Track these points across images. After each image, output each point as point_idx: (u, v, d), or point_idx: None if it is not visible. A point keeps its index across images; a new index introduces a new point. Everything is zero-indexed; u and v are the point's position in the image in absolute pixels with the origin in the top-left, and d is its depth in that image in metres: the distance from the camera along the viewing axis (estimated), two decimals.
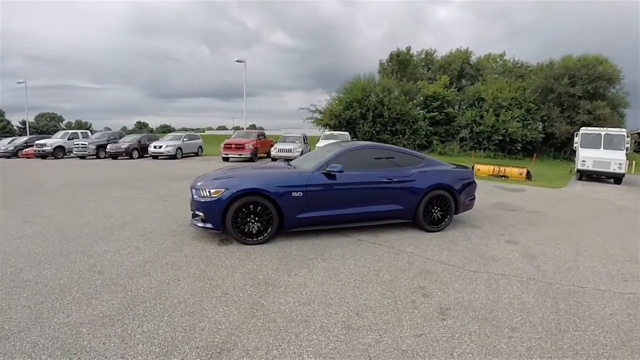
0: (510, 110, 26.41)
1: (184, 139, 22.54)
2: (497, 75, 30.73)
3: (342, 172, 5.34)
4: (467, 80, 33.50)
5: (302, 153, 18.65)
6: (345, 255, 4.73)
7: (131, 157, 21.54)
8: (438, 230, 5.89)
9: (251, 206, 5.04)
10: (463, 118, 28.28)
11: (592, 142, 13.77)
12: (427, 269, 4.31)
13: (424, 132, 28.43)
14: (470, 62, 33.40)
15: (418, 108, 29.30)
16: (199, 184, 5.38)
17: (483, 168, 14.38)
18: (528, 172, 13.37)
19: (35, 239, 5.37)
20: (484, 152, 26.69)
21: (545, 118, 27.40)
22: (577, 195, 10.57)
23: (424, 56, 34.73)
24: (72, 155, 23.08)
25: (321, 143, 19.34)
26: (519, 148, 26.41)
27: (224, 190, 4.99)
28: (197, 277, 3.99)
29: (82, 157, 22.36)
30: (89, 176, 13.08)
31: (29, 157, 23.65)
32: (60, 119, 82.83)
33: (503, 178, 13.30)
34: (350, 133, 28.52)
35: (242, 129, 28.87)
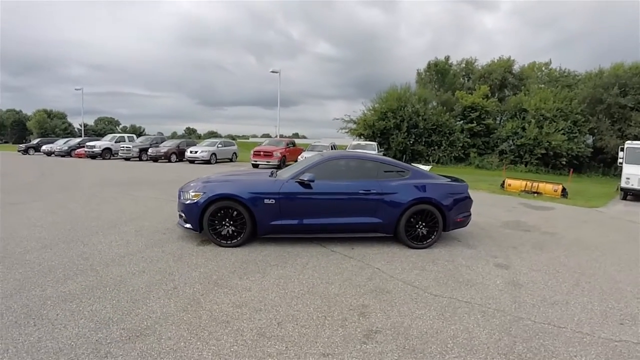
0: (554, 122, 24.03)
1: (219, 145, 23.32)
2: (542, 85, 28.13)
3: (312, 181, 5.13)
4: (509, 90, 31.14)
5: None
6: (307, 264, 4.51)
7: (170, 161, 22.62)
8: (422, 248, 5.30)
9: (227, 210, 5.06)
10: (503, 130, 26.31)
11: (639, 158, 12.01)
12: (384, 288, 3.88)
13: (461, 144, 26.84)
14: (513, 71, 31.09)
15: (457, 119, 27.87)
16: (184, 187, 5.52)
17: (514, 183, 13.08)
18: (564, 189, 11.88)
19: (50, 227, 5.97)
20: (526, 166, 24.48)
21: (595, 131, 24.59)
22: (612, 217, 9.09)
23: (464, 65, 32.91)
24: (118, 156, 24.51)
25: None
26: (564, 163, 23.79)
27: (201, 194, 5.15)
28: (160, 271, 4.18)
29: (127, 159, 23.72)
30: (123, 176, 13.98)
31: (81, 157, 25.31)
32: (117, 123, 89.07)
33: (535, 195, 11.98)
34: (384, 144, 27.88)
35: (275, 136, 29.28)
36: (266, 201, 5.06)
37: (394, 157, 26.07)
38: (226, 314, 3.22)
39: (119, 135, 27.28)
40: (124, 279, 3.94)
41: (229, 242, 5.11)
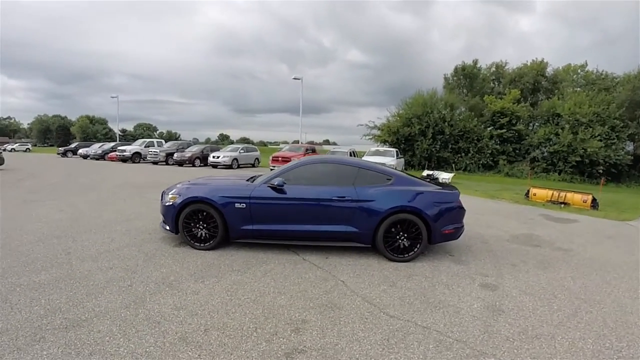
0: (590, 127, 21.80)
1: (241, 151, 23.51)
2: (578, 89, 25.64)
3: (281, 185, 4.83)
4: (542, 94, 28.75)
5: None
6: (269, 272, 4.22)
7: (193, 165, 22.79)
8: (403, 261, 4.71)
9: (201, 214, 4.95)
10: (535, 136, 24.28)
11: None
12: (337, 303, 3.44)
13: (489, 151, 25.11)
14: (546, 74, 28.66)
15: (486, 124, 26.25)
16: (167, 189, 5.45)
17: (540, 193, 11.87)
18: (594, 200, 10.52)
19: (52, 223, 6.26)
20: (559, 174, 22.35)
21: (635, 137, 21.99)
22: None
23: (494, 69, 30.88)
24: (146, 160, 25.04)
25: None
26: (601, 171, 21.38)
27: (177, 196, 5.08)
28: (126, 269, 4.21)
29: (155, 163, 24.22)
30: (144, 179, 14.34)
31: (113, 160, 26.25)
32: (155, 129, 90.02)
33: (562, 206, 10.78)
34: (408, 150, 26.90)
35: (297, 142, 29.15)
36: (237, 205, 4.85)
37: (419, 164, 25.05)
38: (162, 315, 3.14)
39: (148, 140, 28.38)
40: (91, 273, 4.05)
41: (202, 245, 4.98)
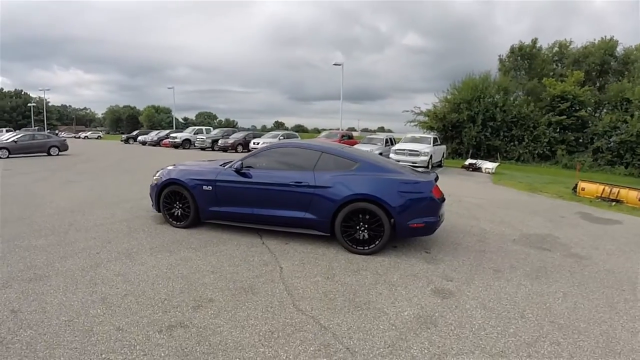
0: None
1: (280, 137, 23.62)
2: None
3: (240, 169, 4.71)
4: (611, 76, 23.72)
5: (381, 155, 17.26)
6: (219, 252, 4.23)
7: (236, 151, 22.66)
8: (363, 254, 4.20)
9: (177, 194, 5.13)
10: (600, 124, 20.22)
11: None
12: (256, 289, 3.29)
13: (546, 140, 21.65)
14: (616, 54, 23.45)
15: (544, 110, 23.08)
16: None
17: (589, 187, 10.08)
18: None
19: (76, 200, 7.05)
20: (626, 168, 18.35)
21: None
22: None
23: (557, 49, 25.99)
24: (195, 147, 25.43)
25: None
26: None
27: (159, 178, 5.30)
28: (105, 240, 4.59)
29: (202, 149, 24.31)
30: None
31: (166, 147, 26.92)
32: (215, 117, 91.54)
33: (613, 204, 9.06)
34: (456, 138, 24.89)
35: (338, 129, 28.60)
36: (204, 187, 4.87)
37: (467, 152, 23.10)
38: (102, 278, 3.41)
39: (197, 127, 29.85)
40: (77, 241, 4.46)
41: (178, 223, 5.14)
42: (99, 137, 50.69)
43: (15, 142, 17.64)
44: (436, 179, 4.56)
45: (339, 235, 4.27)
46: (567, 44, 26.21)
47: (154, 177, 5.45)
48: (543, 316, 2.97)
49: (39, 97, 60.26)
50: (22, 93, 74.55)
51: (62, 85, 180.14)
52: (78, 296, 3.04)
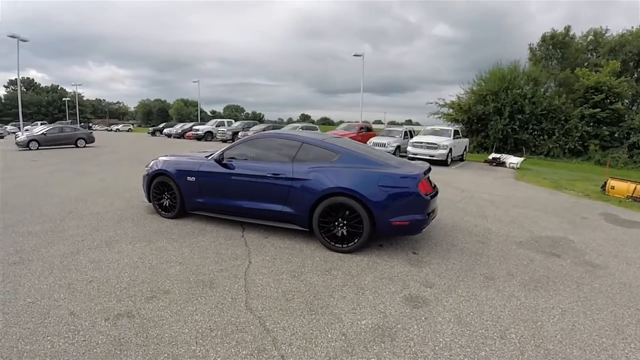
0: None
1: (299, 129, 23.44)
2: None
3: (220, 160, 4.55)
4: None
5: (398, 148, 16.67)
6: (196, 244, 4.16)
7: None
8: (341, 251, 3.89)
9: (166, 185, 5.10)
10: (637, 117, 18.21)
11: None
12: (215, 283, 3.17)
13: (578, 134, 19.86)
14: None
15: (576, 102, 21.15)
16: None
17: (620, 186, 9.07)
18: None
19: (84, 189, 7.28)
20: None
21: None
22: None
23: (591, 37, 23.60)
24: (217, 139, 25.36)
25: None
26: None
27: (149, 169, 5.30)
28: (92, 228, 4.68)
29: (224, 141, 23.90)
30: None
31: (190, 139, 27.01)
32: (242, 110, 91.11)
33: None
34: (481, 131, 23.61)
35: (355, 122, 27.96)
36: (189, 179, 4.76)
37: (493, 146, 21.89)
38: (76, 265, 3.48)
39: (219, 120, 30.17)
40: (69, 228, 4.59)
41: (166, 213, 5.12)
42: (129, 130, 52.56)
43: (45, 134, 18.49)
44: (427, 171, 4.12)
45: (317, 231, 3.98)
46: (603, 32, 23.82)
47: (146, 167, 5.43)
48: (529, 338, 2.50)
49: (74, 92, 63.16)
50: (58, 88, 78.33)
51: (97, 81, 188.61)
52: (49, 280, 3.11)
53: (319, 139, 4.44)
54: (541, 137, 21.48)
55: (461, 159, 16.79)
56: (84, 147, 19.34)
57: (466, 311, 2.80)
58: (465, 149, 17.50)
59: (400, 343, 2.34)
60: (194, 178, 4.71)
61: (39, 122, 39.53)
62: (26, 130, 25.15)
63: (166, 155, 5.55)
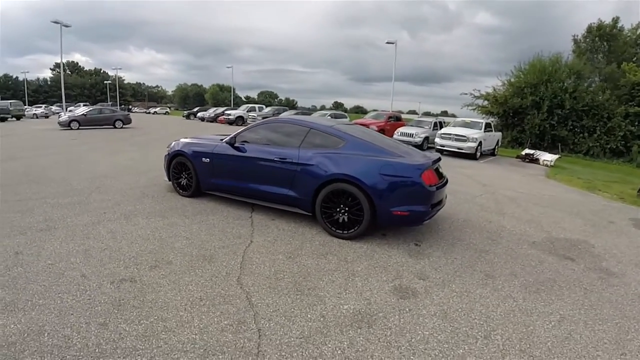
0: None
1: (328, 117, 23.38)
2: None
3: (232, 143, 4.68)
4: None
5: (427, 139, 16.24)
6: (205, 221, 4.35)
7: None
8: (342, 237, 3.91)
9: (183, 165, 5.31)
10: None
11: None
12: (213, 258, 3.35)
13: (621, 133, 18.19)
14: None
15: (622, 99, 18.87)
16: None
17: None
18: None
19: (113, 167, 7.72)
20: None
21: None
22: None
23: None
24: (247, 123, 24.21)
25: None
26: None
27: (170, 149, 5.53)
28: (115, 202, 5.00)
29: None
30: None
31: (222, 123, 27.64)
32: (276, 96, 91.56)
33: None
34: (517, 126, 22.36)
35: (382, 111, 27.39)
36: (204, 159, 4.95)
37: (529, 141, 20.72)
38: (96, 234, 3.76)
39: (250, 105, 30.67)
40: (94, 202, 4.95)
41: (184, 192, 5.35)
42: (166, 113, 54.58)
43: (85, 115, 19.73)
44: (436, 161, 4.01)
45: (319, 216, 4.03)
46: None
47: (167, 148, 5.65)
48: (515, 341, 2.39)
49: (115, 75, 66.25)
50: (101, 71, 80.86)
51: (138, 65, 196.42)
52: (69, 246, 3.39)
53: (327, 125, 4.43)
54: (581, 135, 20.00)
55: (492, 153, 16.04)
56: (121, 128, 20.38)
57: (455, 307, 2.73)
58: (497, 143, 16.68)
59: (376, 331, 2.34)
60: (208, 159, 4.88)
61: (82, 104, 41.86)
62: (70, 111, 26.76)
63: (187, 137, 5.74)
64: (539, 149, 16.55)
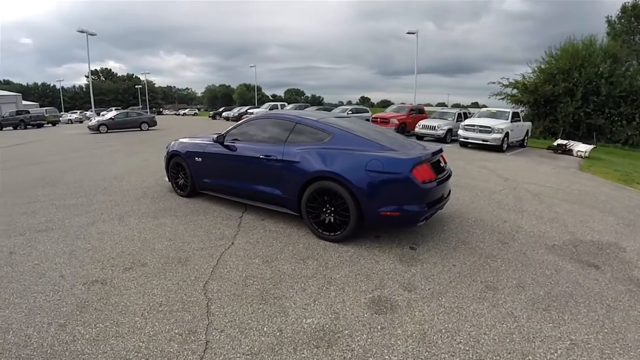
0: None
1: (349, 112, 22.83)
2: None
3: (220, 141, 4.49)
4: None
5: (450, 131, 15.41)
6: (193, 222, 4.27)
7: None
8: (330, 240, 3.61)
9: (180, 165, 5.26)
10: None
11: None
12: (189, 259, 3.23)
13: None
14: None
15: None
16: None
17: None
18: None
19: (125, 168, 7.84)
20: None
21: None
22: None
23: None
24: None
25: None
26: None
27: (168, 149, 5.50)
28: (114, 203, 5.04)
29: None
30: None
31: None
32: (302, 94, 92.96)
33: None
34: (549, 115, 20.76)
35: (403, 104, 26.40)
36: (196, 159, 4.84)
37: (562, 131, 19.18)
38: (87, 235, 3.78)
39: (272, 103, 30.72)
40: (96, 202, 5.03)
41: (181, 192, 5.30)
42: (195, 114, 56.09)
43: (113, 119, 20.63)
44: (435, 153, 3.56)
45: (305, 217, 3.76)
46: None
47: (166, 148, 5.60)
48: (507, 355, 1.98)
49: (146, 80, 68.93)
50: (133, 77, 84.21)
51: (168, 69, 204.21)
52: (59, 246, 3.41)
53: (313, 119, 4.10)
54: (619, 123, 18.10)
55: (521, 144, 14.79)
56: (147, 130, 20.99)
57: (438, 327, 2.31)
58: (527, 134, 15.43)
59: (335, 352, 2.02)
60: (200, 159, 4.78)
61: (113, 108, 43.81)
62: (103, 115, 28.02)
63: (186, 137, 5.66)
64: (574, 139, 15.16)
